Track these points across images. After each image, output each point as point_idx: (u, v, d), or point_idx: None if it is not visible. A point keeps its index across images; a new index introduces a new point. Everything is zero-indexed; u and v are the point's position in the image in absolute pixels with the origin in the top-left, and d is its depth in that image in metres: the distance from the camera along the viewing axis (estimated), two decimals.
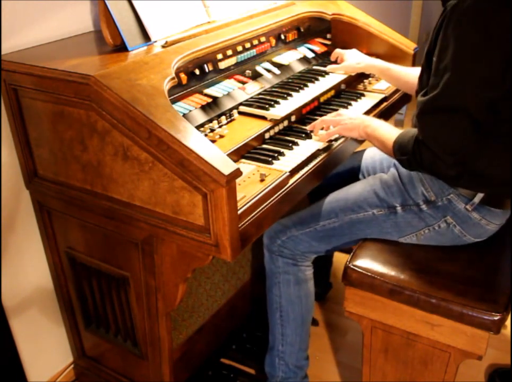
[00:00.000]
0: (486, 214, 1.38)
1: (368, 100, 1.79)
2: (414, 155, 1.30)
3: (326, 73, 1.83)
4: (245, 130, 1.45)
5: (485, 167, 1.31)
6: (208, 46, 1.48)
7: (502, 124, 1.27)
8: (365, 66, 1.80)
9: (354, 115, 1.52)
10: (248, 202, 1.20)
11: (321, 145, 1.49)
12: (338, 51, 1.89)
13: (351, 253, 1.50)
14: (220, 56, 1.54)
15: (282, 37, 1.80)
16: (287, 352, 1.66)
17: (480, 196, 1.36)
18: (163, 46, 1.42)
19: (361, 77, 1.92)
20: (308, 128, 1.54)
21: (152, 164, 1.17)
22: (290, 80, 1.76)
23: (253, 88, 1.61)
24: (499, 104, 1.23)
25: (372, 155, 1.79)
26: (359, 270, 1.44)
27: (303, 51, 1.88)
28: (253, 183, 1.27)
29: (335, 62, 1.89)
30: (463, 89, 1.20)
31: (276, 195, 1.28)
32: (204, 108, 1.46)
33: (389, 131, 1.42)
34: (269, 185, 1.26)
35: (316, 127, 1.52)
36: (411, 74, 1.69)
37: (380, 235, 1.52)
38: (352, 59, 1.82)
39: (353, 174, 1.79)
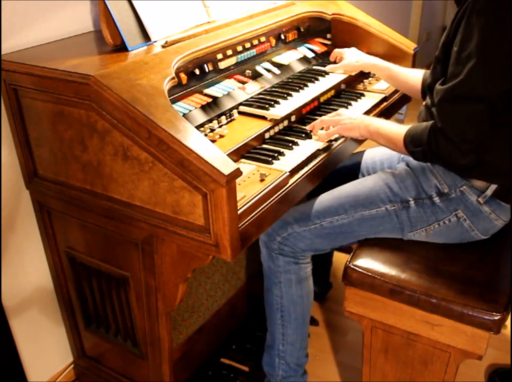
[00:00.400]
0: (496, 208, 1.39)
1: (368, 100, 1.79)
2: (429, 145, 1.31)
3: (326, 73, 1.83)
4: (245, 130, 1.45)
5: (497, 158, 1.32)
6: (208, 46, 1.48)
7: None
8: (364, 64, 1.80)
9: (354, 115, 1.52)
10: (248, 202, 1.20)
11: (321, 145, 1.49)
12: (336, 50, 1.89)
13: (351, 253, 1.50)
14: (220, 56, 1.54)
15: (282, 37, 1.80)
16: (288, 351, 1.63)
17: (492, 188, 1.36)
18: (163, 46, 1.42)
19: (362, 77, 1.92)
20: (308, 128, 1.54)
21: (152, 164, 1.17)
22: (290, 80, 1.76)
23: (253, 88, 1.61)
24: None
25: (372, 156, 1.79)
26: (359, 270, 1.44)
27: (303, 51, 1.88)
28: (253, 183, 1.27)
29: (335, 62, 1.89)
30: (487, 78, 1.21)
31: (276, 195, 1.28)
32: (204, 108, 1.46)
33: (395, 127, 1.42)
34: (269, 185, 1.26)
35: (316, 127, 1.52)
36: (410, 75, 1.70)
37: (392, 232, 1.49)
38: (351, 57, 1.82)
39: (353, 175, 1.78)
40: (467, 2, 1.22)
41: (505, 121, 1.28)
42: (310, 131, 1.53)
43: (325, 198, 1.54)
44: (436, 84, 1.32)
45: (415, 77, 1.67)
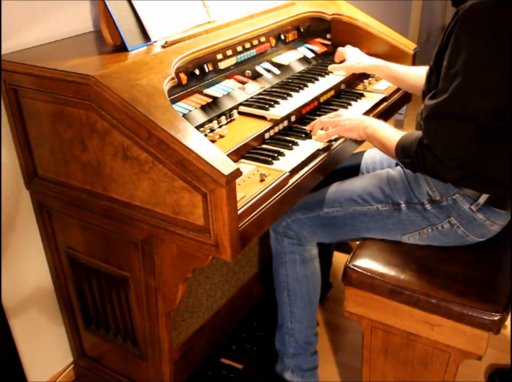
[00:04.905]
0: (490, 214, 1.38)
1: (368, 100, 1.79)
2: (417, 158, 1.31)
3: (326, 73, 1.83)
4: (245, 130, 1.45)
5: (487, 171, 1.32)
6: (208, 46, 1.48)
7: (506, 130, 1.28)
8: (365, 66, 1.79)
9: (353, 116, 1.52)
10: (248, 202, 1.20)
11: (321, 145, 1.48)
12: (340, 50, 1.87)
13: (351, 253, 1.50)
14: (220, 56, 1.54)
15: (282, 37, 1.80)
16: (296, 329, 1.69)
17: (485, 196, 1.36)
18: (163, 46, 1.42)
19: (362, 77, 1.92)
20: (307, 128, 1.54)
21: (152, 164, 1.17)
22: (290, 80, 1.76)
23: (253, 88, 1.61)
24: (506, 111, 1.24)
25: (372, 155, 1.80)
26: (359, 270, 1.44)
27: (303, 51, 1.88)
28: (253, 183, 1.27)
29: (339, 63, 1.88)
30: (472, 96, 1.21)
31: (276, 195, 1.28)
32: (204, 108, 1.46)
33: (390, 133, 1.42)
34: (269, 186, 1.26)
35: (315, 128, 1.52)
36: (411, 73, 1.70)
37: (383, 232, 1.51)
38: (353, 59, 1.81)
39: (353, 174, 1.78)
40: (458, 15, 1.22)
41: (494, 136, 1.27)
42: (310, 131, 1.53)
43: (326, 190, 1.60)
44: (426, 97, 1.32)
45: (417, 75, 1.67)
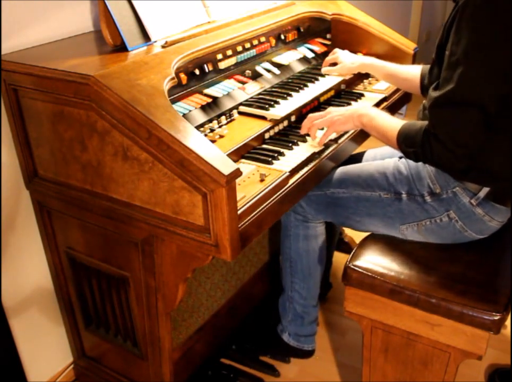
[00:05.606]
0: (489, 210, 1.38)
1: (368, 100, 1.79)
2: (423, 147, 1.30)
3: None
4: (245, 130, 1.45)
5: (492, 163, 1.32)
6: (208, 46, 1.48)
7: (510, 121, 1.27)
8: (360, 65, 1.78)
9: (343, 108, 1.52)
10: (248, 202, 1.20)
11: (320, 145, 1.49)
12: (328, 58, 1.84)
13: (351, 253, 1.50)
14: (220, 56, 1.54)
15: (282, 37, 1.80)
16: (295, 297, 1.79)
17: (485, 190, 1.36)
18: (163, 46, 1.42)
19: (362, 77, 1.92)
20: (301, 132, 1.52)
21: (152, 164, 1.17)
22: (290, 80, 1.76)
23: (253, 88, 1.61)
24: (510, 99, 1.23)
25: (373, 155, 1.79)
26: (359, 270, 1.44)
27: (303, 51, 1.88)
28: (253, 183, 1.27)
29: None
30: (476, 83, 1.21)
31: (276, 195, 1.28)
32: (204, 108, 1.46)
33: (390, 121, 1.41)
34: (269, 186, 1.26)
35: (312, 132, 1.50)
36: (409, 71, 1.69)
37: (383, 219, 1.52)
38: (346, 60, 1.79)
39: None
40: (458, 5, 1.22)
41: (500, 126, 1.27)
42: (304, 135, 1.52)
43: (336, 171, 1.62)
44: (430, 89, 1.32)
45: (413, 73, 1.67)
